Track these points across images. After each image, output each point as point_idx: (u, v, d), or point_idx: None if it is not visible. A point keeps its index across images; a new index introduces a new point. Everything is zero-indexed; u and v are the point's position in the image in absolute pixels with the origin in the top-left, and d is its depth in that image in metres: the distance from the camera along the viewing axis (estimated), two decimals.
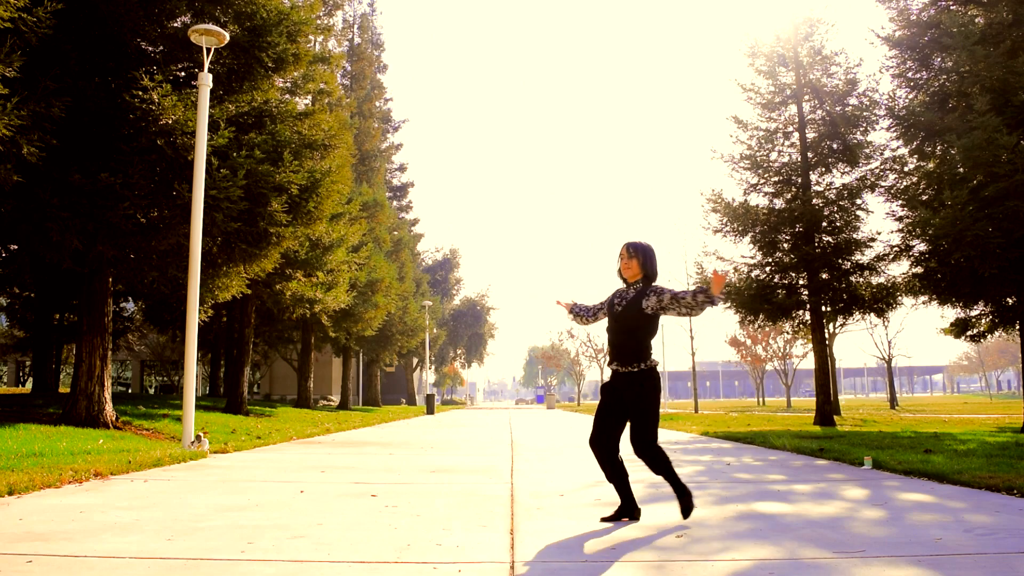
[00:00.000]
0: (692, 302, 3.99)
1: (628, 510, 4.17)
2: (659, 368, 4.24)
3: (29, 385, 32.59)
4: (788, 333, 38.63)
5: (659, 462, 4.09)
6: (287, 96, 13.63)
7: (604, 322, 4.37)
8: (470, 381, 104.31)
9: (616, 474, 4.16)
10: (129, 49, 10.12)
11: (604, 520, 4.13)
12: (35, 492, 4.98)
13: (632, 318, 4.09)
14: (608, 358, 4.22)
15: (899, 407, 37.21)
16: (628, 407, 4.09)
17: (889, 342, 38.69)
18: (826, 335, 20.28)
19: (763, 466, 7.29)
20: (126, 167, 9.25)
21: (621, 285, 4.32)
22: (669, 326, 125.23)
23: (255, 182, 9.80)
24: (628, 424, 4.12)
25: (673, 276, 62.12)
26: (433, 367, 62.89)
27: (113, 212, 9.23)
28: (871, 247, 17.02)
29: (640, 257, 4.14)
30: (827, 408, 17.31)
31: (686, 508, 4.07)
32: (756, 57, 18.23)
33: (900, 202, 15.68)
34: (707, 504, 4.77)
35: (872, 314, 17.73)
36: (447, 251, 60.63)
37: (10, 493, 4.82)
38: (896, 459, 7.15)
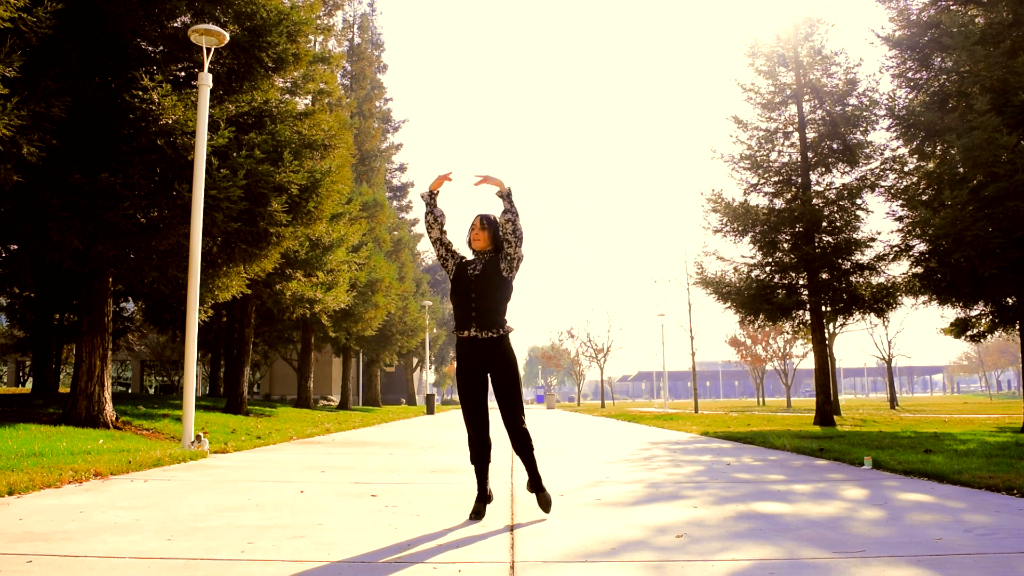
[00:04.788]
0: (507, 217, 4.16)
1: (486, 496, 4.27)
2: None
3: (29, 385, 32.59)
4: (788, 333, 38.62)
5: (529, 442, 4.26)
6: (287, 96, 13.63)
7: (462, 292, 4.26)
8: None
9: (487, 456, 4.23)
10: (129, 49, 10.12)
11: (472, 518, 4.15)
12: (35, 492, 4.98)
13: (492, 282, 4.19)
14: (458, 326, 4.21)
15: (899, 407, 37.20)
16: (495, 376, 4.17)
17: (889, 342, 38.68)
18: (826, 335, 20.28)
19: (763, 466, 7.29)
20: (126, 167, 9.25)
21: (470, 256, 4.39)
22: (669, 326, 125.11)
23: (255, 182, 9.80)
24: (498, 401, 4.20)
25: (673, 276, 62.32)
26: (433, 367, 62.88)
27: (113, 212, 9.23)
28: (871, 247, 17.01)
29: (490, 229, 4.27)
30: (827, 408, 17.31)
31: (544, 503, 4.26)
32: (756, 57, 18.23)
33: (900, 202, 15.67)
34: (707, 504, 4.77)
35: (872, 314, 17.72)
36: None
37: (10, 493, 4.81)
38: (896, 459, 7.15)
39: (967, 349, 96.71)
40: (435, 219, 4.33)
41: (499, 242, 4.28)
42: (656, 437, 12.61)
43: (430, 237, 4.38)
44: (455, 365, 4.26)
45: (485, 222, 4.28)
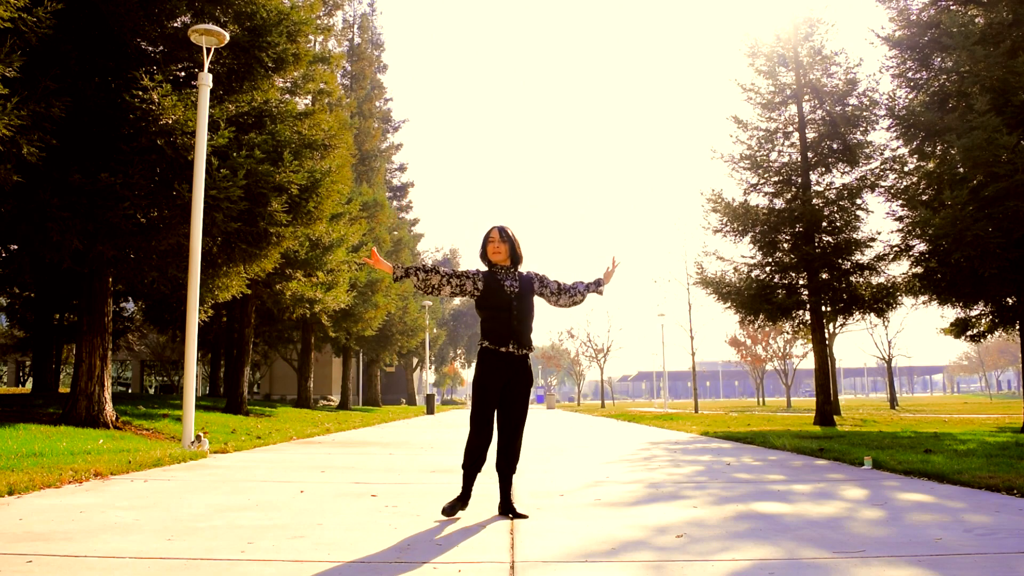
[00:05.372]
0: (581, 297, 4.44)
1: (467, 500, 4.29)
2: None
3: (29, 385, 32.58)
4: (788, 333, 38.61)
5: (516, 463, 4.29)
6: (287, 96, 13.63)
7: (487, 304, 4.22)
8: (470, 381, 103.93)
9: (481, 464, 4.26)
10: (129, 49, 10.12)
11: (445, 514, 4.18)
12: (35, 492, 4.98)
13: (528, 300, 4.28)
14: (494, 341, 4.17)
15: (899, 407, 37.20)
16: (514, 391, 4.19)
17: (889, 342, 38.69)
18: (826, 335, 20.28)
19: (763, 466, 7.29)
20: (126, 167, 9.25)
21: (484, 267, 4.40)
22: (669, 326, 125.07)
23: (255, 182, 9.80)
24: (503, 413, 4.22)
25: (673, 276, 62.29)
26: (433, 367, 62.91)
27: (113, 212, 9.23)
28: (871, 247, 17.02)
29: (509, 243, 4.31)
30: (827, 408, 17.31)
31: (516, 517, 4.20)
32: (756, 57, 18.23)
33: (900, 202, 15.68)
34: (707, 504, 4.77)
35: (872, 314, 17.73)
36: (447, 251, 60.70)
37: (10, 493, 4.81)
38: (896, 459, 7.15)
39: (967, 349, 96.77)
40: (426, 274, 4.29)
41: (516, 256, 4.33)
42: (656, 437, 12.61)
43: (433, 285, 4.26)
44: (477, 373, 4.21)
45: (504, 235, 4.30)
